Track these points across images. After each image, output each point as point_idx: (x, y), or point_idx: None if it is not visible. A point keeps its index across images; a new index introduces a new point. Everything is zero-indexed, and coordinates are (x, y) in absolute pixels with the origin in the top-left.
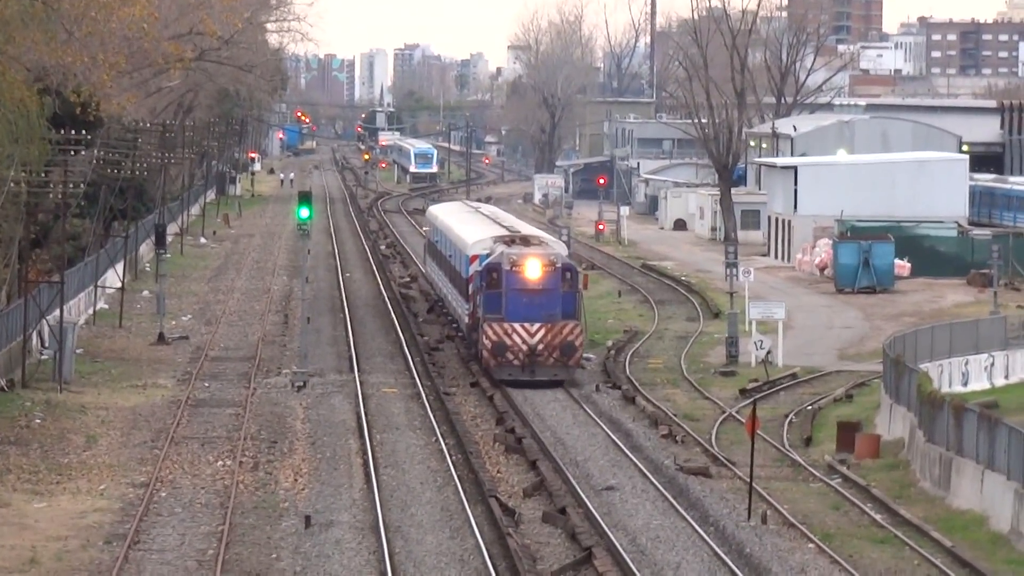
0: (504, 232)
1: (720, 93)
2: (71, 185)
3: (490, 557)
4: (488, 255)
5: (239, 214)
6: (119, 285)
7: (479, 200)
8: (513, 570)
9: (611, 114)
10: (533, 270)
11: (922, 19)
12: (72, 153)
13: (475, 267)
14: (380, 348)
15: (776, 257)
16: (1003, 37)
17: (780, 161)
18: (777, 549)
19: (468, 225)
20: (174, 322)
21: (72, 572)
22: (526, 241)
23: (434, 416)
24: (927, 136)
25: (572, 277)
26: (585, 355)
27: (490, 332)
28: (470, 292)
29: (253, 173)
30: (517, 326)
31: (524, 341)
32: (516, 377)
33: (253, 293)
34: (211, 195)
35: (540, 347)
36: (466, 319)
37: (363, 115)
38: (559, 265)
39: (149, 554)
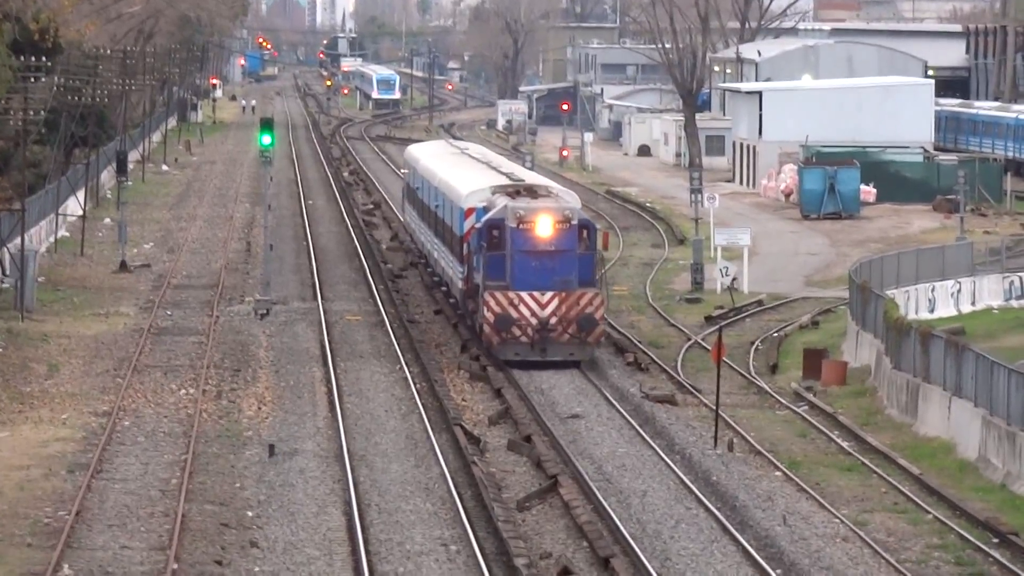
0: (505, 180)
1: (684, 18)
2: (31, 112)
3: (455, 485)
4: (487, 209)
5: (201, 141)
6: (80, 213)
7: (443, 127)
8: (478, 498)
9: (574, 39)
10: (544, 228)
11: None
12: (32, 80)
13: (471, 222)
14: (344, 275)
15: (741, 183)
16: None
17: (745, 86)
18: (744, 477)
19: (459, 170)
20: (136, 250)
21: (35, 501)
22: (533, 192)
23: (398, 344)
24: (892, 61)
25: (590, 236)
26: None
27: (492, 303)
28: (465, 253)
29: (215, 100)
30: (525, 295)
31: (533, 313)
32: (524, 357)
33: (215, 220)
34: (173, 122)
35: (553, 320)
36: (460, 284)
37: (325, 41)
38: (575, 221)
39: (112, 483)
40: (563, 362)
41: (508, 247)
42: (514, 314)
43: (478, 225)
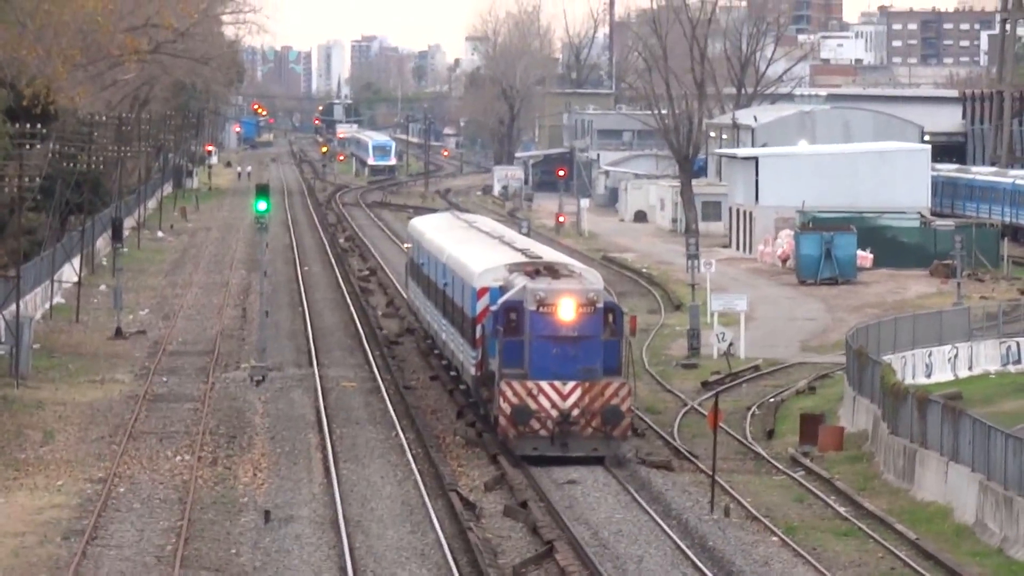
0: (521, 258)
1: (680, 84)
2: (26, 179)
3: (451, 551)
4: (503, 289)
5: (196, 207)
6: (76, 279)
7: (439, 193)
8: (474, 564)
9: (570, 105)
10: (566, 311)
11: (883, 8)
12: (27, 147)
13: (484, 303)
14: (339, 342)
15: (738, 249)
16: (964, 26)
17: (741, 152)
18: (740, 542)
19: (469, 246)
20: (131, 316)
21: (29, 568)
22: (553, 271)
23: (394, 410)
24: (888, 126)
25: (616, 320)
26: None
27: (509, 393)
28: (478, 337)
29: (210, 166)
30: (545, 385)
31: (554, 405)
32: (543, 452)
33: (211, 287)
34: (168, 188)
35: (575, 413)
36: (473, 370)
37: (320, 107)
38: (600, 304)
39: (107, 550)
40: (586, 458)
41: (527, 332)
42: (533, 405)
43: (494, 307)
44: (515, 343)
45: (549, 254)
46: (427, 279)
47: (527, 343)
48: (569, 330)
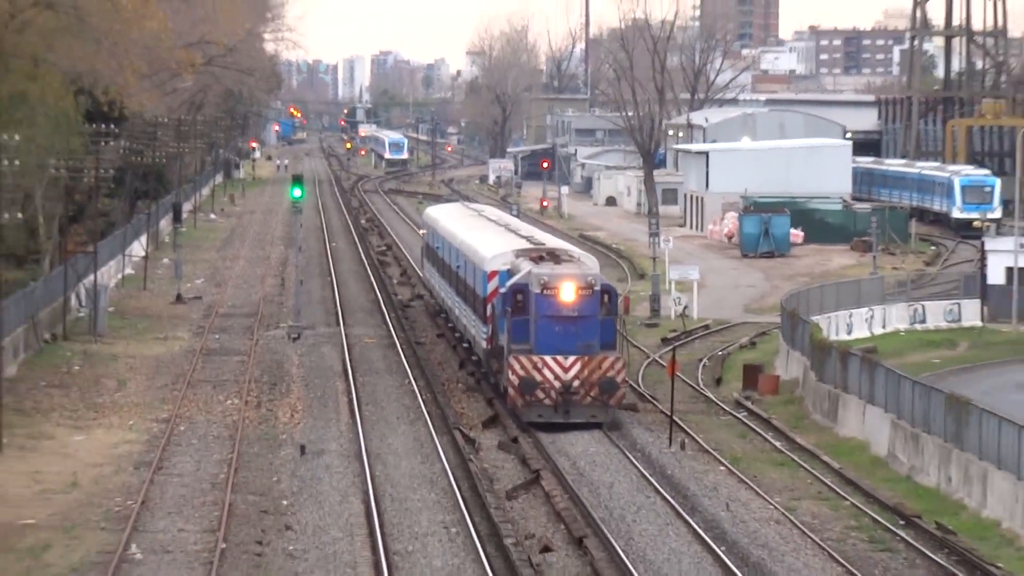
0: (526, 244)
1: (643, 90)
2: (102, 170)
3: (455, 479)
4: (510, 272)
5: (242, 194)
6: (143, 254)
7: (443, 182)
8: (474, 489)
9: (552, 109)
10: (567, 293)
11: (812, 27)
12: (103, 144)
13: (494, 284)
14: (361, 306)
15: (691, 228)
16: (880, 42)
17: (694, 147)
18: (694, 471)
19: (480, 234)
20: (189, 284)
21: (107, 493)
22: (555, 257)
23: (407, 362)
24: (816, 126)
25: (611, 301)
26: None
27: (517, 366)
28: (488, 314)
29: (254, 160)
30: (549, 359)
31: (557, 377)
32: (548, 419)
33: (255, 260)
34: (219, 178)
35: (576, 383)
36: (484, 344)
37: (345, 110)
38: (597, 287)
39: (171, 478)
40: (584, 424)
41: (532, 312)
42: (538, 377)
43: (503, 289)
44: (522, 321)
45: (551, 241)
46: (442, 261)
47: (532, 321)
48: (570, 310)
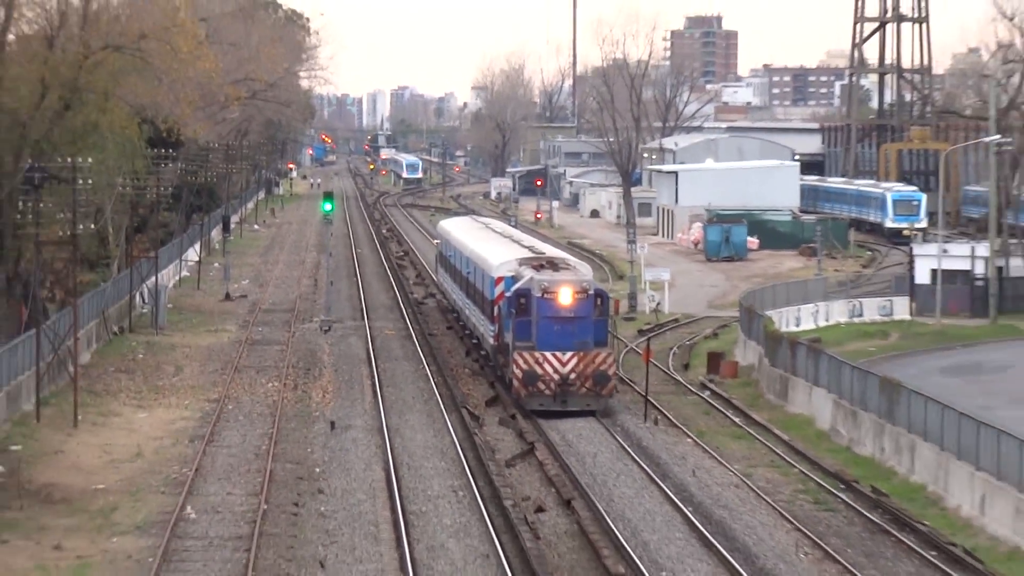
0: (528, 254)
1: (622, 119)
2: (162, 188)
3: (462, 449)
4: (514, 278)
5: (281, 208)
6: (197, 259)
7: (452, 198)
8: (478, 458)
9: (545, 135)
10: (565, 297)
11: (766, 65)
12: (162, 165)
13: (500, 289)
14: (382, 303)
15: (663, 236)
16: (823, 78)
17: (665, 168)
18: (665, 443)
19: (488, 244)
20: (236, 285)
21: (167, 461)
22: (554, 265)
23: (421, 350)
24: (769, 149)
25: (603, 303)
26: None
27: (520, 361)
28: (495, 315)
29: (291, 179)
30: (548, 355)
31: (556, 370)
32: (547, 407)
33: (292, 264)
34: (261, 194)
35: (572, 376)
36: (491, 340)
37: (369, 136)
38: (591, 292)
39: (220, 449)
40: (580, 412)
41: (534, 313)
42: (539, 371)
43: (508, 293)
44: (525, 322)
45: (550, 251)
46: (454, 268)
47: (534, 322)
48: (567, 312)
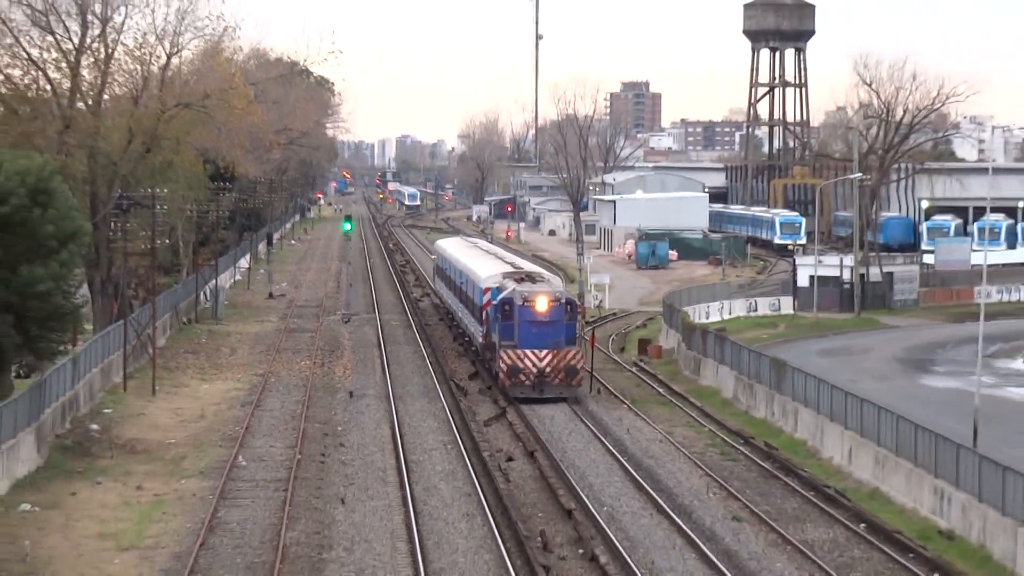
0: (510, 268)
1: (573, 160)
2: (220, 212)
3: (450, 412)
4: (499, 289)
5: (312, 228)
6: (247, 266)
7: (444, 220)
8: (463, 419)
9: (514, 172)
10: (541, 304)
11: (683, 119)
12: (221, 195)
13: (487, 297)
14: (389, 300)
15: (604, 249)
16: (727, 129)
17: (606, 197)
18: (607, 408)
19: (476, 260)
20: (277, 287)
21: (224, 422)
22: (532, 278)
23: (419, 336)
24: (685, 184)
25: (572, 310)
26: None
27: (505, 357)
28: (483, 318)
29: (320, 206)
30: (528, 352)
31: (534, 365)
32: (527, 395)
33: (320, 271)
34: (297, 217)
35: (548, 370)
36: (480, 339)
37: (379, 173)
38: (563, 300)
39: (265, 412)
40: (555, 399)
41: (516, 318)
42: (520, 365)
43: (494, 301)
44: (509, 325)
45: (527, 266)
46: (448, 278)
47: (516, 325)
48: (543, 317)
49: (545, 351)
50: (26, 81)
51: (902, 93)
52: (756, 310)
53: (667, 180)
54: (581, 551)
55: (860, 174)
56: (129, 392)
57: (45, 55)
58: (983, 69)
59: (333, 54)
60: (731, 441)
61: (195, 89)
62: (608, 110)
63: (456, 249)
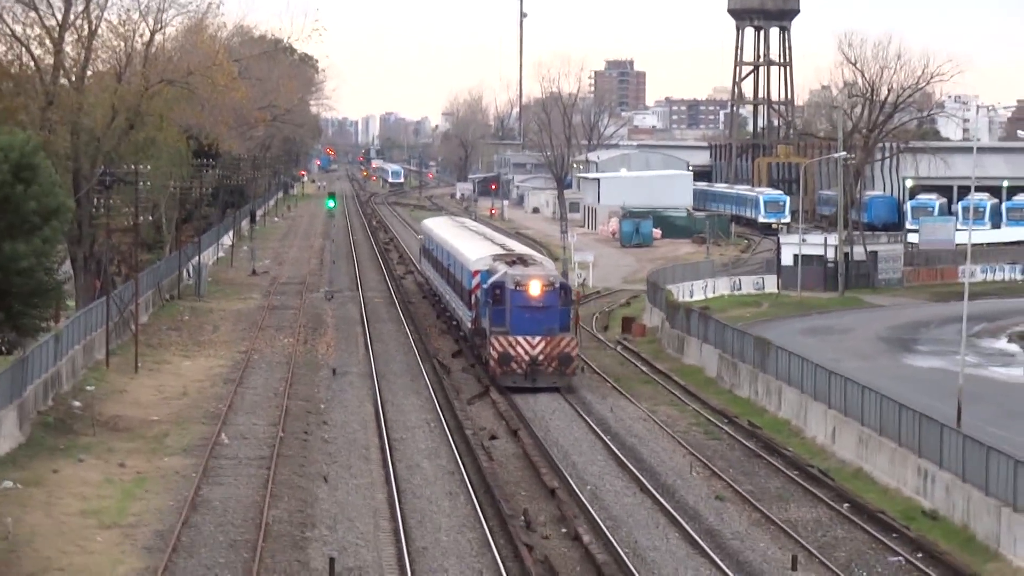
0: (501, 250)
1: (557, 138)
2: (204, 189)
3: (433, 390)
4: (489, 272)
5: (295, 205)
6: (230, 243)
7: (428, 198)
8: (447, 397)
9: (498, 150)
10: (534, 289)
11: (667, 97)
12: (204, 172)
13: (477, 280)
14: (372, 278)
15: (588, 227)
16: (711, 108)
17: (590, 175)
18: (590, 385)
19: (465, 241)
20: (260, 263)
21: (207, 399)
22: (524, 261)
23: (402, 314)
24: (669, 162)
25: (566, 294)
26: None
27: (496, 344)
28: (473, 302)
29: (303, 183)
30: (520, 339)
31: (527, 352)
32: (519, 384)
33: (303, 248)
34: (280, 194)
35: (541, 358)
36: (469, 324)
37: (363, 150)
38: (557, 284)
39: (248, 389)
40: (548, 388)
41: (507, 303)
42: (512, 353)
43: (485, 285)
44: (500, 310)
45: (519, 248)
46: (435, 259)
47: (508, 310)
48: (536, 302)
49: (538, 338)
50: (9, 57)
51: (886, 72)
52: (740, 289)
53: (651, 158)
54: (564, 530)
55: (844, 153)
56: (111, 369)
57: (28, 31)
58: (967, 48)
59: (317, 31)
60: (714, 420)
61: (179, 66)
62: (592, 88)
63: (443, 229)
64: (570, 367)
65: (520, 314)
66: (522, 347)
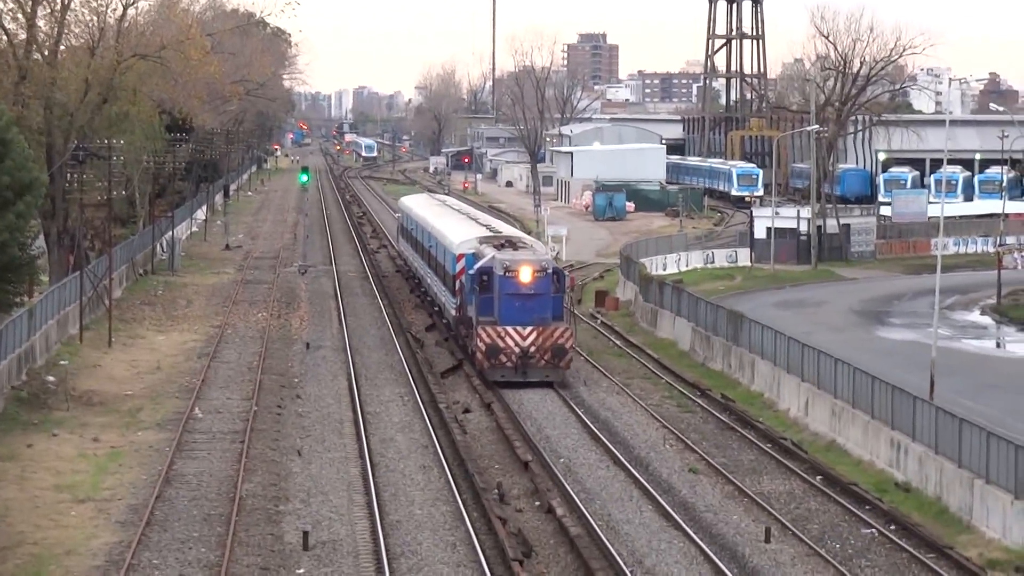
0: (487, 232)
1: (530, 112)
2: (177, 163)
3: (407, 365)
4: (476, 256)
5: (269, 179)
6: (203, 218)
7: (401, 171)
8: (420, 371)
9: (471, 124)
10: (525, 275)
11: (640, 71)
12: (177, 146)
13: (462, 264)
14: (346, 252)
15: (562, 201)
16: (684, 81)
17: (563, 149)
18: None
19: (448, 221)
20: (233, 238)
21: (180, 373)
22: (513, 244)
23: (376, 288)
24: (642, 135)
25: (560, 281)
26: None
27: (484, 335)
28: (457, 288)
29: (276, 157)
30: (510, 329)
31: (517, 344)
32: (509, 378)
33: (277, 222)
34: (254, 168)
35: (532, 349)
36: (453, 312)
37: (336, 124)
38: (549, 270)
39: (222, 364)
40: (540, 383)
41: (496, 290)
42: (501, 344)
43: (471, 271)
44: (487, 298)
45: (507, 230)
46: (415, 240)
47: (496, 298)
48: (527, 289)
49: (529, 328)
50: None
51: (859, 45)
52: (713, 262)
53: (624, 132)
54: (538, 503)
55: (817, 126)
56: (85, 344)
57: (1, 5)
58: (940, 21)
59: (290, 5)
60: (688, 393)
61: (151, 40)
62: (565, 62)
63: (424, 208)
64: (564, 360)
65: (510, 302)
66: (512, 338)
